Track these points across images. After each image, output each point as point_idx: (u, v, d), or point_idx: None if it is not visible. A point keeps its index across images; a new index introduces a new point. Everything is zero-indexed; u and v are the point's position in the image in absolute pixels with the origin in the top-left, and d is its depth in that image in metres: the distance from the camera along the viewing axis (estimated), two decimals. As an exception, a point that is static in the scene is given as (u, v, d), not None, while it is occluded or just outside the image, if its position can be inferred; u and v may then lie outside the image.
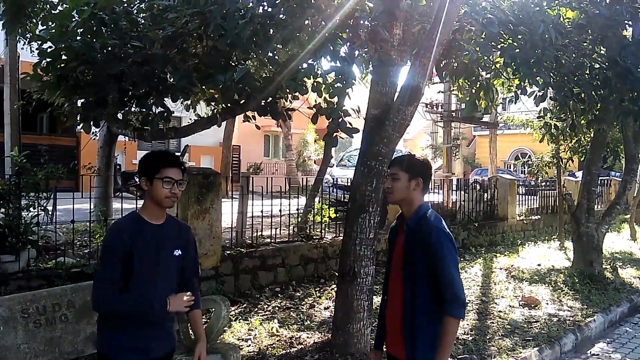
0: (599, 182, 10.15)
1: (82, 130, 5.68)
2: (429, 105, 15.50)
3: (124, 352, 2.29)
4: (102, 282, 2.25)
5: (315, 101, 5.53)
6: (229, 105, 6.00)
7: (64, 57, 4.88)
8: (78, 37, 4.88)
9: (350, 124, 4.99)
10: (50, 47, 4.91)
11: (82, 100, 5.21)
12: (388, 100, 4.38)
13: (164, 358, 2.47)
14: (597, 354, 5.31)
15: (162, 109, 5.41)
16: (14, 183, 5.02)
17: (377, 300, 5.95)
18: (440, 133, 17.45)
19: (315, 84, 5.29)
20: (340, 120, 4.92)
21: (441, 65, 6.66)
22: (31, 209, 5.22)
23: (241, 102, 5.77)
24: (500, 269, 8.22)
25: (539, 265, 8.51)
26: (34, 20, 6.88)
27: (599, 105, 6.18)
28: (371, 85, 4.59)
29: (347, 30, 4.91)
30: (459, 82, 7.40)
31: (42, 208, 5.47)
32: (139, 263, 2.28)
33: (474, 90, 7.27)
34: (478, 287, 7.14)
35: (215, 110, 6.57)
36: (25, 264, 4.84)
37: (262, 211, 8.15)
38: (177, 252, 2.44)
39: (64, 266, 4.90)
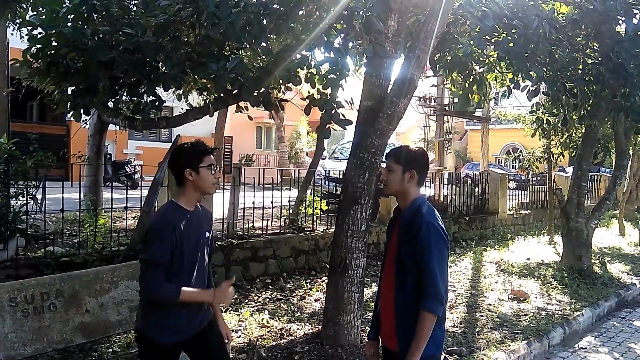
0: (589, 177, 10.21)
1: (72, 118, 5.61)
2: (422, 99, 15.47)
3: (169, 334, 2.44)
4: (153, 269, 2.36)
5: (309, 92, 5.50)
6: (221, 95, 5.95)
7: (54, 43, 4.80)
8: (69, 24, 4.79)
9: (343, 115, 4.96)
10: (40, 33, 4.83)
11: (73, 88, 5.13)
12: (382, 92, 4.35)
13: (203, 329, 2.60)
14: (585, 348, 5.37)
15: (153, 98, 5.35)
16: (2, 171, 4.96)
17: (367, 292, 5.97)
18: (432, 127, 17.45)
19: (308, 74, 5.25)
20: (333, 111, 4.89)
21: (435, 58, 6.64)
22: (20, 197, 5.16)
23: (234, 92, 5.72)
24: (490, 262, 8.27)
25: (528, 259, 8.57)
26: (24, 6, 6.76)
27: (591, 100, 6.20)
28: (365, 77, 4.57)
29: (342, 21, 4.87)
30: (452, 75, 7.40)
31: (31, 196, 5.41)
32: (186, 247, 2.43)
33: (467, 84, 7.27)
34: (468, 280, 7.18)
35: (207, 100, 6.52)
36: (14, 253, 4.79)
37: (253, 202, 8.13)
38: (207, 234, 2.61)
39: (53, 255, 4.85)
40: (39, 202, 6.15)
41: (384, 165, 2.66)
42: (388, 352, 2.56)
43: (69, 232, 6.34)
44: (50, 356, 3.71)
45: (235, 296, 5.70)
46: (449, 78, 7.84)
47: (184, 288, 2.38)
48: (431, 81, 15.21)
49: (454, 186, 10.82)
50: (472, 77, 7.12)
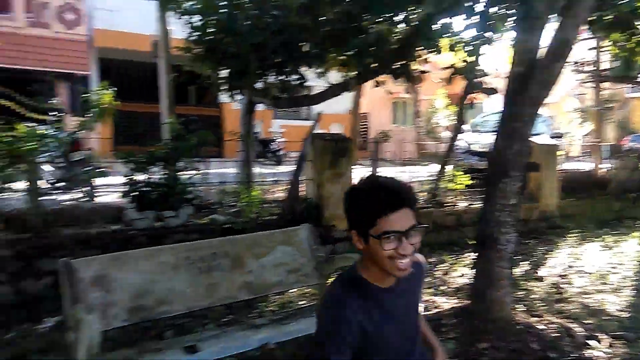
0: None
1: (225, 100, 6.11)
2: (576, 64, 14.03)
3: None
4: None
5: (448, 64, 5.34)
6: (362, 70, 6.02)
7: (210, 30, 5.24)
8: (221, 10, 5.19)
9: (488, 83, 4.75)
10: (199, 20, 5.30)
11: (228, 71, 5.58)
12: (533, 56, 4.06)
13: None
14: None
15: (298, 76, 5.61)
16: (172, 147, 5.58)
17: (516, 271, 5.70)
18: (588, 95, 15.78)
19: (451, 43, 5.09)
20: (478, 80, 4.70)
21: (593, 17, 6.00)
22: (185, 171, 5.76)
23: (373, 66, 5.75)
24: (662, 243, 7.34)
25: None
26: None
27: None
28: (515, 41, 4.29)
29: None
30: (612, 36, 6.64)
31: (197, 171, 6.02)
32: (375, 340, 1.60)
33: (630, 46, 6.48)
34: (635, 262, 6.48)
35: (347, 76, 6.64)
36: (185, 220, 5.42)
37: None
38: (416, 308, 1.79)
39: (216, 222, 5.42)
40: (201, 176, 6.82)
41: None
42: None
43: (226, 202, 6.97)
44: (218, 311, 4.20)
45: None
46: (609, 39, 7.03)
47: None
48: (587, 45, 13.71)
49: (615, 160, 9.77)
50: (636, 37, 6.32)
